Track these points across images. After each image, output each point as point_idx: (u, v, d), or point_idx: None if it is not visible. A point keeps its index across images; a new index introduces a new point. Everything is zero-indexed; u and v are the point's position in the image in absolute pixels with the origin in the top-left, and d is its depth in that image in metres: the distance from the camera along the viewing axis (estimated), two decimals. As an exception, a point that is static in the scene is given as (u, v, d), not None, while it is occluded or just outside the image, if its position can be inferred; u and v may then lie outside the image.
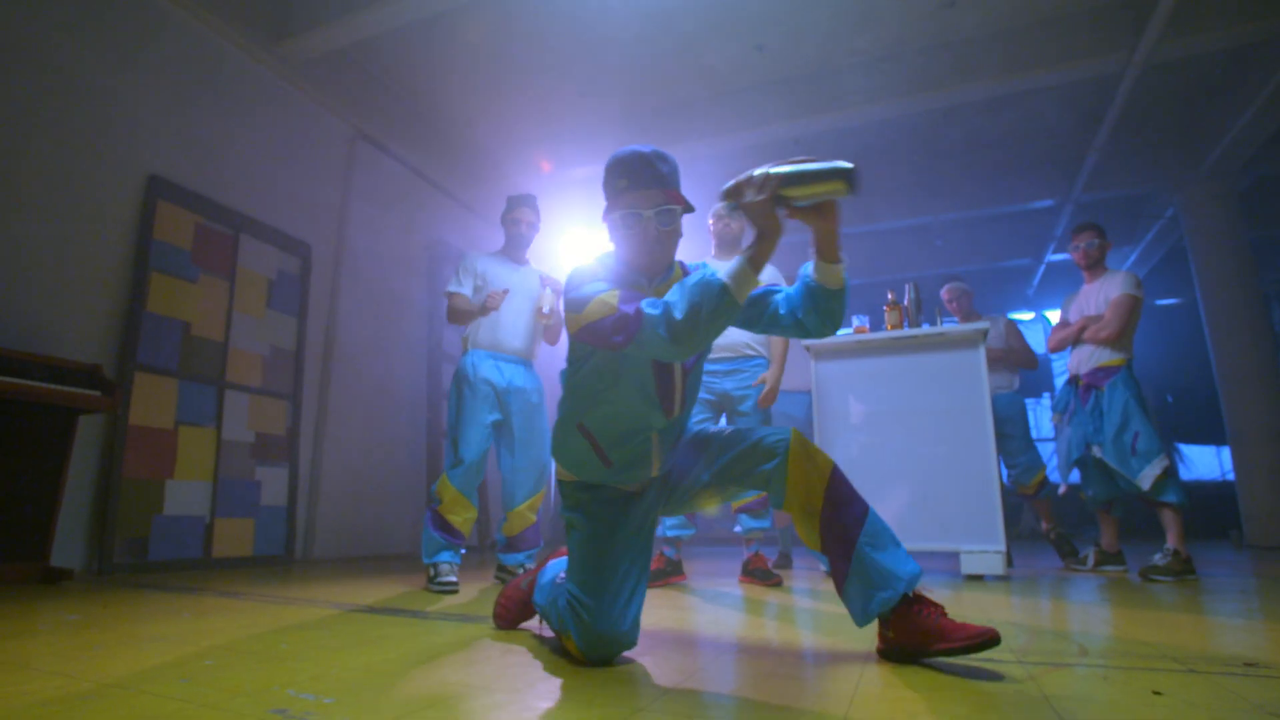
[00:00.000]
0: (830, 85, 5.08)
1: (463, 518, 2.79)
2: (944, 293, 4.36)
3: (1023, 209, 6.65)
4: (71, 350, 3.11)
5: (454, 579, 2.67)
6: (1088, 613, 2.17)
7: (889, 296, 3.66)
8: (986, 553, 3.23)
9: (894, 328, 3.61)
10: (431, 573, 2.71)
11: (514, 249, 3.16)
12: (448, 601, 2.36)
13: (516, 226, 3.15)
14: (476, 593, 2.64)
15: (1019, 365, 4.21)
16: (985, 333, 3.47)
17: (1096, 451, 3.45)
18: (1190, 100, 5.54)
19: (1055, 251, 7.32)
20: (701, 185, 6.41)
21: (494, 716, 0.99)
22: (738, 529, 3.09)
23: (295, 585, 2.81)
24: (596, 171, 5.97)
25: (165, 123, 3.65)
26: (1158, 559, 3.23)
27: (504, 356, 2.97)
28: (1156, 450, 3.28)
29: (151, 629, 1.71)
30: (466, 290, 2.98)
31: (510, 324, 3.00)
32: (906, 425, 3.52)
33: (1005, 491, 4.40)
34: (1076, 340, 3.60)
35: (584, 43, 4.78)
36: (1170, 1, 3.89)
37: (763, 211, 1.27)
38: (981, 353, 3.45)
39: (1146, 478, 3.26)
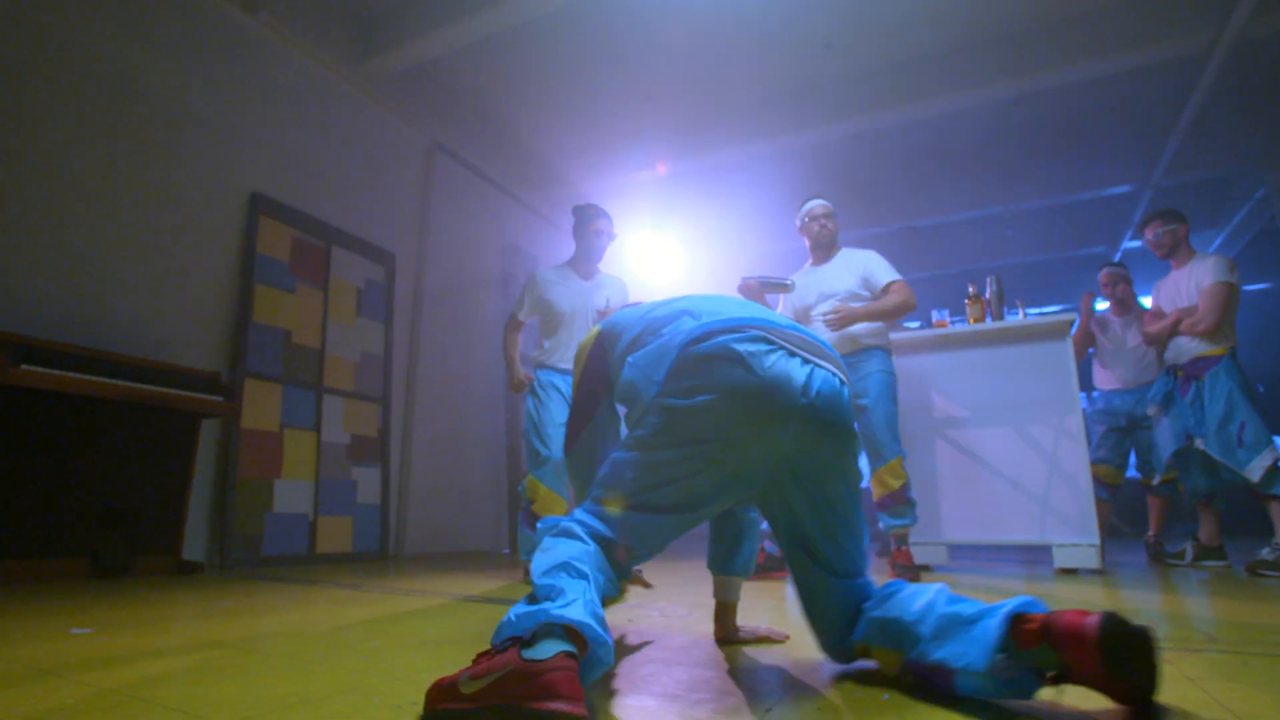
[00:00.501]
0: (897, 79, 5.03)
1: (558, 514, 2.90)
2: (1101, 276, 4.23)
3: (1098, 196, 6.45)
4: (192, 358, 3.34)
5: None
6: (1200, 603, 2.13)
7: (970, 290, 3.63)
8: (1080, 546, 3.18)
9: (975, 321, 3.58)
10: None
11: (585, 261, 3.21)
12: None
13: (598, 238, 3.20)
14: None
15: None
16: (1070, 323, 3.42)
17: (1199, 444, 3.34)
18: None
19: (1132, 238, 7.07)
20: (771, 187, 6.48)
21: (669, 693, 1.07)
22: (880, 526, 3.05)
23: (404, 578, 2.96)
24: (665, 174, 6.09)
25: (264, 143, 3.88)
26: (1266, 553, 3.12)
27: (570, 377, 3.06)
28: (1265, 441, 3.16)
29: (307, 614, 1.85)
30: (522, 316, 3.12)
31: (570, 344, 3.05)
32: (992, 418, 3.49)
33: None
34: (1172, 334, 3.49)
35: (649, 48, 4.86)
36: (1262, -24, 3.75)
37: None
38: (1068, 344, 3.40)
39: (1256, 469, 3.14)
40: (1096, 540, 3.15)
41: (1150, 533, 3.89)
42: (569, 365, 3.02)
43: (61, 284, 2.94)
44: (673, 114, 5.67)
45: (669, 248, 6.16)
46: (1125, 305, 4.12)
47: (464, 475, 4.97)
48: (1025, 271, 7.94)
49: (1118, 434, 3.95)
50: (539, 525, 1.18)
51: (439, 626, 1.66)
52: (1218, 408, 3.28)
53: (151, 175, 3.32)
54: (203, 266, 3.50)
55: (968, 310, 3.59)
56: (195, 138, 3.54)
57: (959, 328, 3.58)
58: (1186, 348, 3.44)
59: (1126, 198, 6.47)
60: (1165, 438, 3.55)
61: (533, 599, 0.94)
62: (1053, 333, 3.42)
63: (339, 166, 4.35)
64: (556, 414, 2.93)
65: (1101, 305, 4.36)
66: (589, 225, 3.21)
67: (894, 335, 3.66)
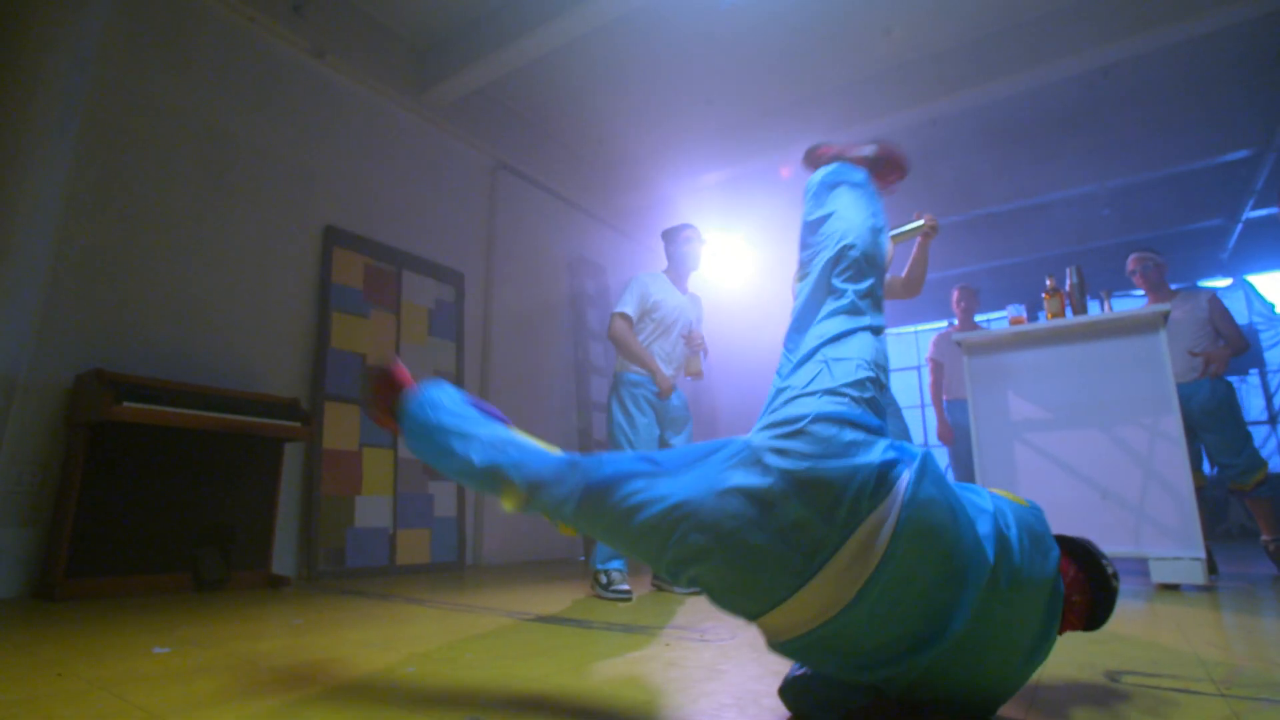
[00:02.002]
0: (964, 61, 4.76)
1: None
2: (1130, 263, 3.91)
3: (1209, 164, 5.87)
4: (276, 386, 3.59)
5: (626, 587, 2.80)
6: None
7: (1047, 283, 3.38)
8: (1181, 560, 2.91)
9: (1055, 315, 3.34)
10: (604, 580, 2.84)
11: (679, 274, 3.32)
12: (620, 608, 2.48)
13: (688, 244, 3.32)
14: (636, 600, 2.75)
15: (1231, 354, 3.66)
16: (1166, 314, 3.13)
17: None
18: None
19: (1255, 207, 6.39)
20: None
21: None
22: None
23: (469, 592, 3.07)
24: (728, 176, 6.03)
25: (336, 177, 4.12)
26: None
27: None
28: None
29: (361, 634, 1.95)
30: (634, 313, 3.14)
31: (666, 356, 3.18)
32: (1078, 421, 3.25)
33: (1209, 485, 3.90)
34: None
35: (705, 52, 4.81)
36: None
37: None
38: (1162, 337, 3.12)
39: None
40: (1202, 554, 2.87)
41: (1265, 536, 3.52)
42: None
43: (163, 325, 3.23)
44: (733, 115, 5.60)
45: (738, 249, 6.08)
46: (1159, 291, 3.73)
47: (538, 485, 5.08)
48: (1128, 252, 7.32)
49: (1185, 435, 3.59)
50: None
51: (478, 649, 1.70)
52: None
53: (235, 217, 3.59)
54: (282, 299, 3.74)
55: (1046, 305, 3.35)
56: (274, 178, 3.79)
57: (1036, 324, 3.35)
58: None
59: (1245, 163, 5.86)
60: None
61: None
62: (1143, 325, 3.14)
63: (405, 192, 4.55)
64: (651, 426, 3.06)
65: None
66: (678, 235, 3.35)
67: (976, 335, 3.50)
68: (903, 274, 2.96)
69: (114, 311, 3.08)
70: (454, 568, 4.29)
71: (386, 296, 4.30)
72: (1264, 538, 3.51)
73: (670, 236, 3.37)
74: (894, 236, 2.81)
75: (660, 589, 3.07)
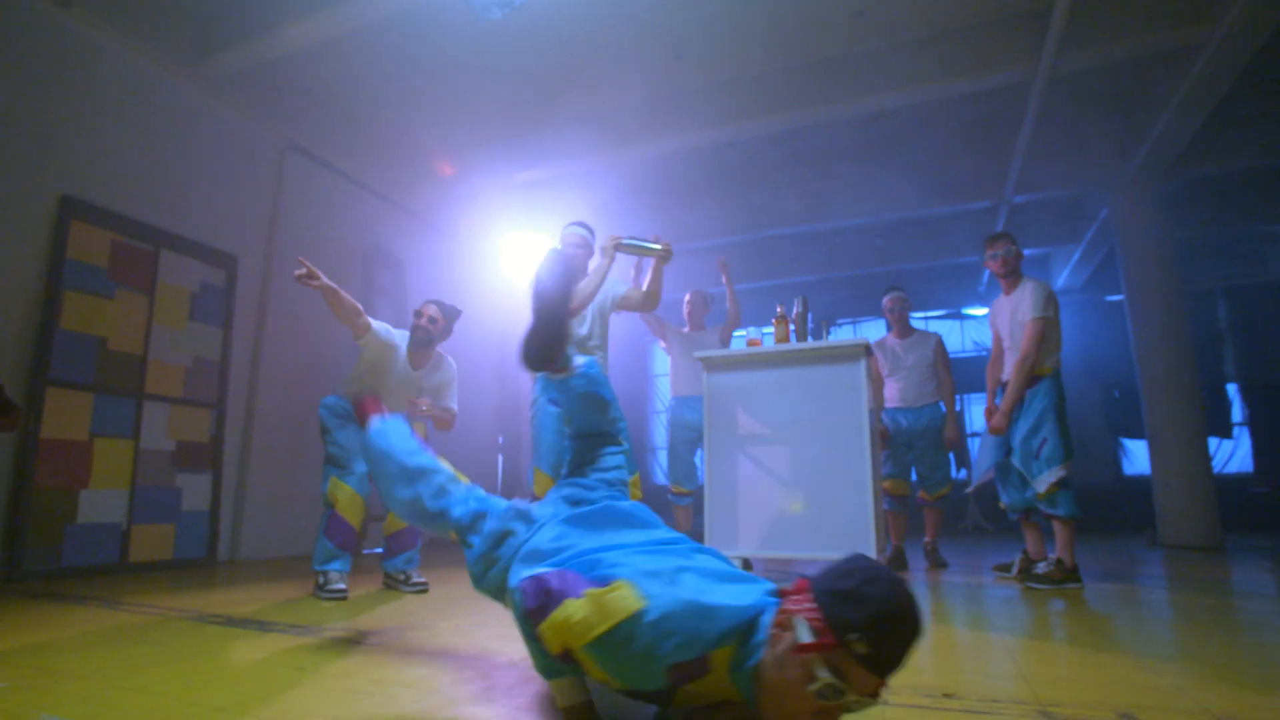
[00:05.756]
0: (752, 92, 5.17)
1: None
2: (886, 301, 4.45)
3: (964, 209, 6.75)
4: (-21, 369, 3.26)
5: (341, 586, 2.86)
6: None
7: (778, 310, 3.78)
8: (857, 559, 3.37)
9: (781, 340, 3.74)
10: (321, 580, 2.89)
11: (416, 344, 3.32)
12: (328, 608, 2.52)
13: (417, 319, 3.29)
14: (351, 599, 2.80)
15: (945, 395, 4.28)
16: (866, 347, 3.59)
17: (1012, 458, 3.53)
18: (1106, 108, 5.64)
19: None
20: (641, 193, 6.55)
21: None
22: None
23: (177, 592, 2.98)
24: (540, 177, 6.13)
25: (78, 144, 3.78)
26: (1041, 567, 3.35)
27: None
28: (1060, 459, 3.31)
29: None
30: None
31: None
32: (789, 437, 3.65)
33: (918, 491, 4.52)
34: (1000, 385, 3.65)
35: (513, 52, 4.88)
36: (1063, 17, 3.98)
37: None
38: (862, 366, 3.58)
39: (1043, 481, 3.33)
40: (874, 555, 3.35)
41: (927, 539, 4.19)
42: None
43: None
44: (541, 117, 5.71)
45: (543, 249, 6.19)
46: (905, 328, 4.35)
47: (314, 479, 4.95)
48: (905, 277, 8.23)
49: (901, 449, 4.21)
50: None
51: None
52: (1027, 422, 3.44)
53: (-64, 178, 3.22)
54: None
55: (774, 330, 3.74)
56: (-6, 137, 3.43)
57: (764, 348, 3.73)
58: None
59: (988, 211, 6.79)
60: (986, 452, 3.74)
61: None
62: (847, 356, 3.59)
63: (172, 167, 4.25)
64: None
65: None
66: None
67: (714, 353, 3.81)
68: (644, 287, 3.20)
69: None
70: (203, 564, 4.11)
71: (139, 276, 4.01)
72: (925, 539, 4.18)
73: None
74: (628, 247, 3.04)
75: (389, 587, 3.16)
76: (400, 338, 3.18)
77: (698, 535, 3.02)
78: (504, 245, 6.22)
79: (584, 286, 3.02)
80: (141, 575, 3.62)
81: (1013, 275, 3.61)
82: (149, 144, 4.13)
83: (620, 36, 4.71)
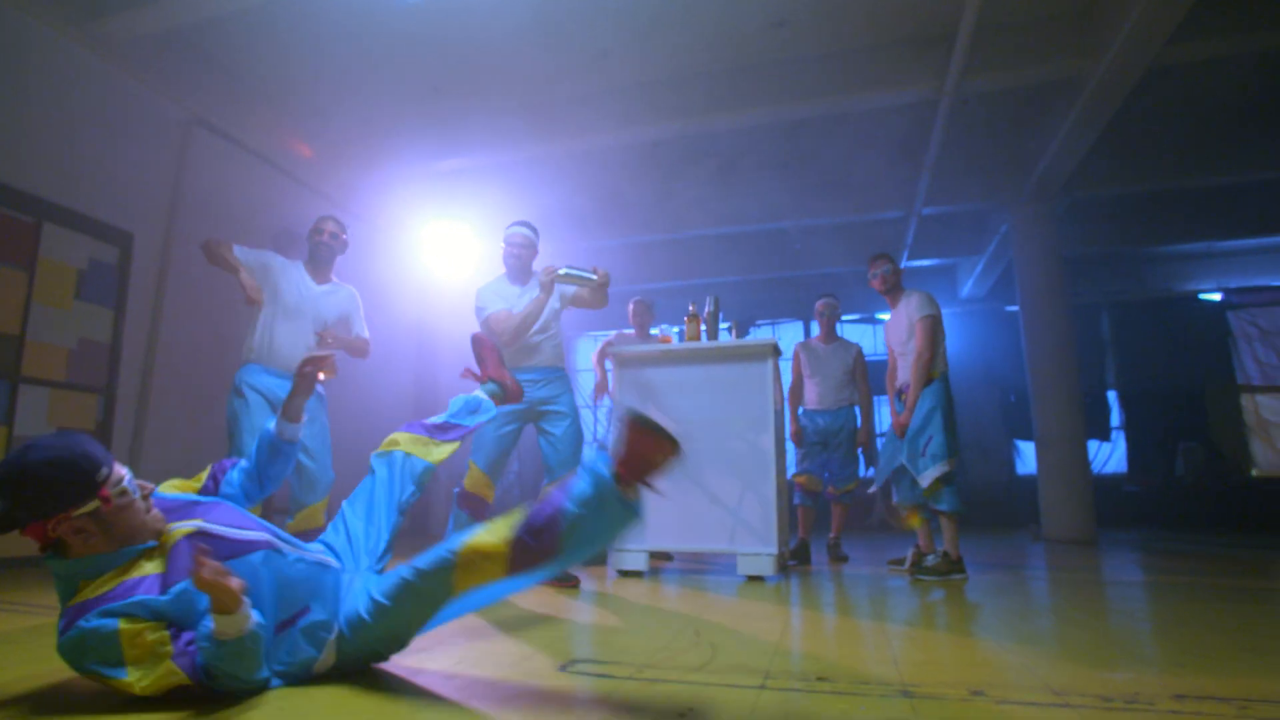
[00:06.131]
0: (676, 94, 5.25)
1: None
2: (818, 305, 4.60)
3: (877, 218, 7.04)
4: None
5: None
6: (834, 622, 2.42)
7: (690, 308, 3.86)
8: (759, 555, 3.47)
9: (692, 339, 3.82)
10: None
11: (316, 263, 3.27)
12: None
13: (319, 235, 3.25)
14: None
15: (862, 403, 4.48)
16: (774, 347, 3.71)
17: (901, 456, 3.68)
18: (1006, 130, 6.01)
19: (909, 259, 7.78)
20: (566, 187, 6.54)
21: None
22: None
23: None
24: (462, 166, 6.03)
25: (-51, 105, 3.50)
26: (930, 560, 3.55)
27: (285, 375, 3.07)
28: (943, 457, 3.48)
29: None
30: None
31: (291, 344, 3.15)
32: (701, 434, 3.73)
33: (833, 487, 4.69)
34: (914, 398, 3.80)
35: (436, 39, 4.79)
36: (966, 42, 4.22)
37: None
38: (769, 366, 3.69)
39: (926, 477, 3.49)
40: (775, 549, 3.46)
41: (831, 535, 4.39)
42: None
43: None
44: (463, 105, 5.62)
45: (465, 239, 6.11)
46: (831, 334, 4.53)
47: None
48: (823, 281, 8.51)
49: (816, 448, 4.39)
50: None
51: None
52: (916, 421, 3.63)
53: None
54: None
55: (685, 328, 3.82)
56: None
57: (675, 345, 3.80)
58: (908, 375, 3.77)
59: (899, 221, 7.10)
60: (888, 452, 3.86)
61: None
62: (756, 355, 3.70)
63: (59, 135, 3.98)
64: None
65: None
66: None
67: (626, 350, 3.85)
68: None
69: None
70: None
71: (17, 251, 3.75)
72: (830, 536, 4.37)
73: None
74: (566, 277, 3.11)
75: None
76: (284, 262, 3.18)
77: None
78: (425, 234, 6.09)
79: (527, 313, 3.14)
80: (17, 571, 3.38)
81: (894, 291, 3.79)
82: (32, 108, 3.85)
83: (547, 27, 4.68)
